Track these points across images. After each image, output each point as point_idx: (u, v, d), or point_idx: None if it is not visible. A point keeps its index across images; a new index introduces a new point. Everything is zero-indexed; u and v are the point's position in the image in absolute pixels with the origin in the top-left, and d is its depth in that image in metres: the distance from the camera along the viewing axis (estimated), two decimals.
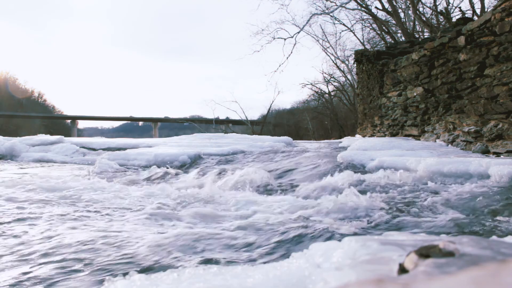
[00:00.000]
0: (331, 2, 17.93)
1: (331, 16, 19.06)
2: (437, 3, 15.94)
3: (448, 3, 15.38)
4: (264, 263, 1.67)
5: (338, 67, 22.75)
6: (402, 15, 16.25)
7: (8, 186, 3.62)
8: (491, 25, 4.69)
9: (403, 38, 15.20)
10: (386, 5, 16.07)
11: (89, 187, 3.66)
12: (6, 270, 1.61)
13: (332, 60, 24.59)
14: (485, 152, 4.82)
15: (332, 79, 24.34)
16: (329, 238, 2.10)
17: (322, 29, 30.02)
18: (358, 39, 21.09)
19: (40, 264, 1.67)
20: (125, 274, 1.51)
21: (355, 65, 11.31)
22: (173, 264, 1.67)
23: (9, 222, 2.36)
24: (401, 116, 7.65)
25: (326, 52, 22.33)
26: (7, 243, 1.95)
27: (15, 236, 2.07)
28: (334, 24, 27.93)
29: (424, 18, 15.42)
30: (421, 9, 16.05)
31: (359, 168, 4.43)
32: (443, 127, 6.10)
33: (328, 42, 22.83)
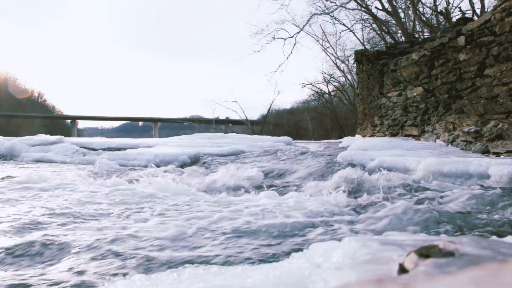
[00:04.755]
0: (331, 2, 17.93)
1: (331, 16, 19.07)
2: (437, 3, 15.95)
3: (448, 3, 15.39)
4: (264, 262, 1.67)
5: (338, 67, 22.76)
6: (402, 15, 16.25)
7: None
8: (491, 25, 4.69)
9: (403, 38, 15.19)
10: (386, 5, 16.07)
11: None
12: None
13: (332, 60, 24.61)
14: (485, 152, 4.82)
15: (332, 79, 24.35)
16: (329, 238, 2.10)
17: (322, 29, 30.00)
18: (358, 39, 21.09)
19: None
20: (125, 274, 1.51)
21: (355, 65, 11.31)
22: None
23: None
24: (401, 116, 7.65)
25: (326, 52, 22.33)
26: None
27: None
28: (334, 24, 27.92)
29: (424, 18, 15.42)
30: (421, 9, 16.05)
31: (359, 168, 4.43)
32: (443, 127, 6.10)
33: (328, 42, 22.84)
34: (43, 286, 1.44)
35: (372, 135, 9.19)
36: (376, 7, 17.45)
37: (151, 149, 7.26)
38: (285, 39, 20.07)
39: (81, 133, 56.24)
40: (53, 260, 1.76)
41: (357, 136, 9.89)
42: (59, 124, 50.73)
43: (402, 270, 0.69)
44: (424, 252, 0.69)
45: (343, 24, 20.32)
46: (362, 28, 20.95)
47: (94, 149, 8.38)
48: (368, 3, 17.61)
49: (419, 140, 6.77)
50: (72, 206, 2.89)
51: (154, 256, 1.74)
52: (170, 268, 1.46)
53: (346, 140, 8.14)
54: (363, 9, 17.49)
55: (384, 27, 17.46)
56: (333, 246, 0.98)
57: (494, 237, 1.41)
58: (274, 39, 20.27)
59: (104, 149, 8.19)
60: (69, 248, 1.88)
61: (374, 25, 18.77)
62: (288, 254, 1.78)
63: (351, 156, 4.77)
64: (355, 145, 5.85)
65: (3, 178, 4.46)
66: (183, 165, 6.10)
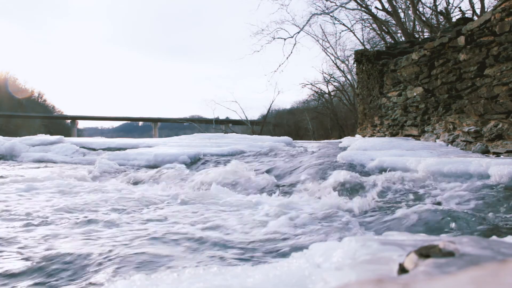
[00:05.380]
0: (331, 2, 17.93)
1: (331, 16, 19.07)
2: (437, 3, 15.95)
3: (448, 3, 15.38)
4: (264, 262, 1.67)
5: (338, 67, 22.76)
6: (402, 15, 16.24)
7: None
8: (491, 25, 4.69)
9: (403, 38, 15.19)
10: (386, 5, 16.07)
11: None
12: None
13: (332, 60, 24.64)
14: (485, 152, 4.82)
15: (332, 79, 24.35)
16: (329, 238, 2.10)
17: (322, 29, 30.03)
18: (358, 39, 21.10)
19: None
20: (125, 275, 1.51)
21: (355, 65, 11.31)
22: None
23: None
24: (401, 116, 7.65)
25: (326, 52, 22.33)
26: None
27: None
28: (334, 24, 27.97)
29: (424, 18, 15.41)
30: (421, 9, 16.05)
31: (359, 168, 4.43)
32: (443, 127, 6.10)
33: (328, 42, 22.86)
34: None
35: (372, 135, 9.19)
36: (376, 7, 17.46)
37: (151, 149, 7.26)
38: (285, 39, 20.09)
39: (81, 133, 56.25)
40: None
41: (357, 136, 9.89)
42: (59, 124, 50.72)
43: (402, 270, 0.69)
44: (424, 252, 0.69)
45: (343, 24, 20.33)
46: (362, 28, 20.96)
47: (94, 149, 8.39)
48: (368, 3, 17.63)
49: (419, 140, 6.77)
50: None
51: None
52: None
53: (346, 140, 8.14)
54: (363, 9, 17.49)
55: (384, 27, 17.46)
56: (333, 246, 0.98)
57: (494, 237, 1.41)
58: (274, 39, 20.29)
59: (104, 149, 8.20)
60: None
61: (374, 25, 18.77)
62: (287, 254, 1.78)
63: (351, 156, 4.77)
64: (355, 145, 5.85)
65: None
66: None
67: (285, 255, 1.81)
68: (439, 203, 2.79)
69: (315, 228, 2.27)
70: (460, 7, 15.84)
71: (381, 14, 17.41)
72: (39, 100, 56.40)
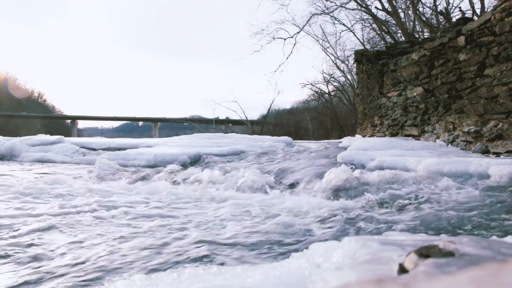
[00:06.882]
0: (331, 2, 17.94)
1: (331, 16, 19.07)
2: (437, 3, 15.95)
3: (448, 3, 15.38)
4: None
5: (338, 67, 22.76)
6: (402, 15, 16.25)
7: None
8: (491, 25, 4.69)
9: (403, 38, 15.19)
10: (386, 5, 16.07)
11: None
12: None
13: (332, 60, 24.68)
14: (485, 152, 4.82)
15: (332, 79, 24.36)
16: (328, 238, 2.10)
17: (322, 29, 30.07)
18: (358, 39, 21.10)
19: None
20: (125, 274, 1.51)
21: (355, 65, 11.31)
22: None
23: None
24: (401, 116, 7.65)
25: (326, 52, 22.34)
26: None
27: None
28: (334, 24, 28.01)
29: (424, 18, 15.41)
30: (421, 9, 16.05)
31: (359, 168, 4.42)
32: (443, 127, 6.10)
33: (328, 42, 22.88)
34: None
35: (372, 135, 9.19)
36: (376, 7, 17.47)
37: (151, 149, 7.26)
38: (285, 39, 20.10)
39: (81, 133, 56.29)
40: None
41: (357, 136, 9.89)
42: (59, 124, 50.74)
43: (402, 270, 0.69)
44: (424, 252, 0.69)
45: (343, 24, 20.34)
46: (362, 28, 20.98)
47: (94, 149, 8.39)
48: (368, 3, 17.64)
49: (419, 140, 6.77)
50: None
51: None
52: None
53: (346, 140, 8.14)
54: (363, 9, 17.49)
55: (384, 27, 17.46)
56: (333, 246, 0.98)
57: (494, 237, 1.41)
58: (274, 39, 20.30)
59: (104, 149, 8.20)
60: None
61: (374, 25, 18.77)
62: (287, 254, 1.78)
63: (351, 156, 4.76)
64: (355, 145, 5.85)
65: None
66: (183, 165, 6.10)
67: (277, 255, 1.81)
68: (439, 203, 2.79)
69: (313, 227, 2.27)
70: (460, 7, 15.85)
71: (381, 14, 17.43)
72: (39, 100, 56.44)
